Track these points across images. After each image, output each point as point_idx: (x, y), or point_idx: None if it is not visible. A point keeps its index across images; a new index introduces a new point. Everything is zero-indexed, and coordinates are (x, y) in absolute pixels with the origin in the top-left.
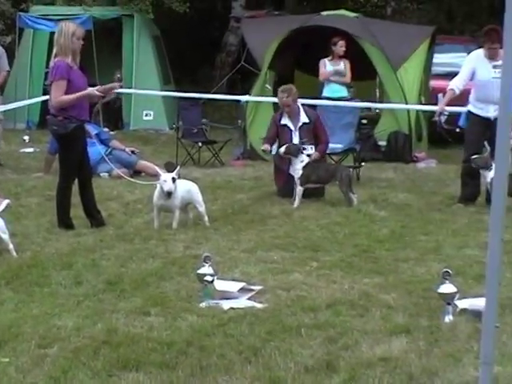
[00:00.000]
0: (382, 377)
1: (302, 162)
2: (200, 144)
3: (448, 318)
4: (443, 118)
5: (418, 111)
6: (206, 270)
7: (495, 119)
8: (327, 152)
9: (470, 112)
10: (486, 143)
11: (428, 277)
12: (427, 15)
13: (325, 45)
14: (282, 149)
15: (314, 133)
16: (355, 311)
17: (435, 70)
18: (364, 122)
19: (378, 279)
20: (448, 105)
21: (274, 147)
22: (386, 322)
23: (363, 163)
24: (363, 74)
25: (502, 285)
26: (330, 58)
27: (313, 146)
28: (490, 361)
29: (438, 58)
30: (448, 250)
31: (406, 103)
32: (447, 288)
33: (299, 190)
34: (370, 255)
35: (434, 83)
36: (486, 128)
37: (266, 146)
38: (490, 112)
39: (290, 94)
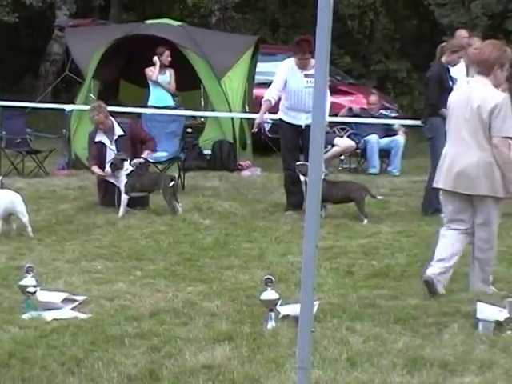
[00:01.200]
0: None
1: (125, 170)
2: (24, 153)
3: (270, 325)
4: (267, 126)
5: (242, 120)
6: (29, 281)
7: (306, 127)
8: (152, 161)
9: (281, 120)
10: None
11: (251, 284)
12: (252, 25)
13: (150, 54)
14: (108, 169)
15: (134, 138)
16: (179, 319)
17: (259, 78)
18: (189, 130)
19: (202, 287)
20: (271, 112)
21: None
22: (210, 330)
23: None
24: (188, 83)
25: (323, 290)
26: (154, 67)
27: None
28: (307, 365)
29: (261, 67)
30: (271, 257)
31: (231, 112)
32: (269, 295)
33: (124, 198)
34: (194, 263)
35: (257, 92)
36: (299, 135)
37: (98, 171)
38: (302, 120)
39: (100, 111)
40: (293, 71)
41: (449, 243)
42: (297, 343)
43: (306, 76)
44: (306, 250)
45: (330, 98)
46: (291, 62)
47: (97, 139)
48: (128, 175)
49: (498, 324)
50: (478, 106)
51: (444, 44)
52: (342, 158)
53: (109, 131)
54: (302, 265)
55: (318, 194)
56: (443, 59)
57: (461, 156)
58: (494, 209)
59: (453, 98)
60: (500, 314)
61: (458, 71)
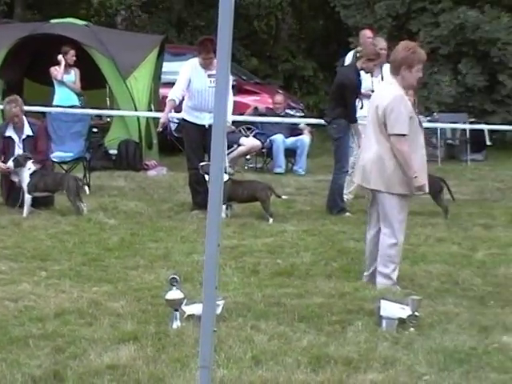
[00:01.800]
0: None
1: (29, 169)
2: None
3: (176, 324)
4: (173, 126)
5: (148, 119)
6: None
7: (210, 126)
8: (57, 161)
9: (184, 120)
10: None
11: (157, 283)
12: (158, 25)
13: (55, 53)
14: (10, 163)
15: (35, 144)
16: (84, 320)
17: (165, 78)
18: (94, 130)
19: (107, 287)
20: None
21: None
22: (115, 330)
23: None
24: (93, 82)
25: (229, 289)
26: (59, 66)
27: None
28: (209, 364)
29: (168, 66)
30: (177, 257)
31: (136, 111)
32: (174, 294)
33: (27, 198)
34: (99, 263)
35: (163, 91)
36: (203, 135)
37: (1, 164)
38: (206, 120)
39: (17, 104)
40: (197, 71)
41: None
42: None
43: (209, 76)
44: (207, 248)
45: (234, 98)
46: (195, 61)
47: (6, 134)
48: (31, 175)
49: (401, 321)
50: (376, 105)
51: (360, 49)
52: (248, 157)
53: (19, 128)
54: (204, 264)
55: (220, 193)
56: (358, 65)
57: (364, 151)
58: (391, 204)
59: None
60: (403, 312)
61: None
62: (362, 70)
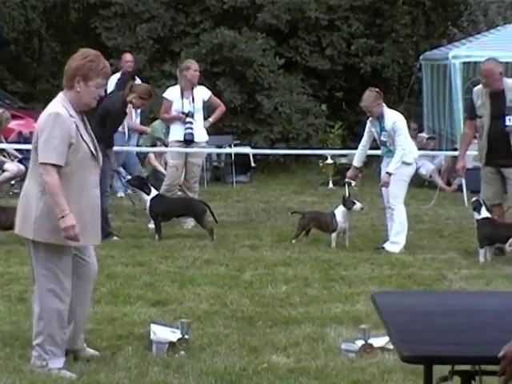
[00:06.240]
0: None
1: None
2: None
3: None
4: None
5: None
6: None
7: None
8: None
9: None
10: None
11: None
12: None
13: None
14: None
15: None
16: None
17: None
18: None
19: None
20: None
21: None
22: None
23: None
24: None
25: None
26: None
27: None
28: None
29: None
30: None
31: None
32: None
33: None
34: None
35: None
36: None
37: None
38: None
39: None
40: None
41: None
42: None
43: None
44: None
45: None
46: None
47: None
48: None
49: (172, 345)
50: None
51: (135, 84)
52: (13, 182)
53: None
54: None
55: None
56: (129, 98)
57: None
58: (37, 255)
59: None
60: (173, 335)
61: None
62: (130, 103)
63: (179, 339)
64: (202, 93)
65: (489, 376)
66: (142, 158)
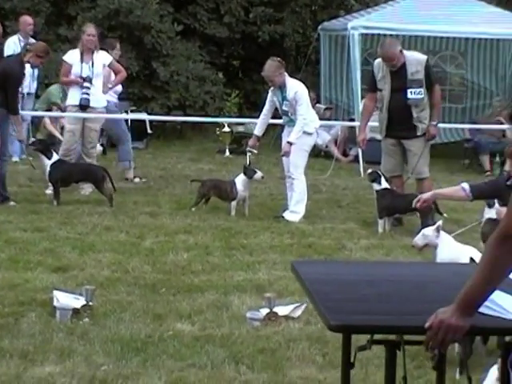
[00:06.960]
0: None
1: None
2: None
3: None
4: None
5: None
6: None
7: None
8: None
9: None
10: None
11: None
12: None
13: None
14: None
15: None
16: None
17: None
18: None
19: None
20: None
21: None
22: None
23: None
24: None
25: None
26: None
27: None
28: None
29: None
30: None
31: None
32: None
33: None
34: None
35: None
36: None
37: None
38: None
39: None
40: None
41: None
42: None
43: None
44: None
45: None
46: None
47: None
48: None
49: (76, 311)
50: None
51: (32, 42)
52: None
53: None
54: None
55: None
56: (26, 58)
57: None
58: None
59: None
60: (77, 302)
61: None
62: (28, 63)
63: (83, 306)
64: (103, 58)
65: (414, 346)
66: (37, 122)
